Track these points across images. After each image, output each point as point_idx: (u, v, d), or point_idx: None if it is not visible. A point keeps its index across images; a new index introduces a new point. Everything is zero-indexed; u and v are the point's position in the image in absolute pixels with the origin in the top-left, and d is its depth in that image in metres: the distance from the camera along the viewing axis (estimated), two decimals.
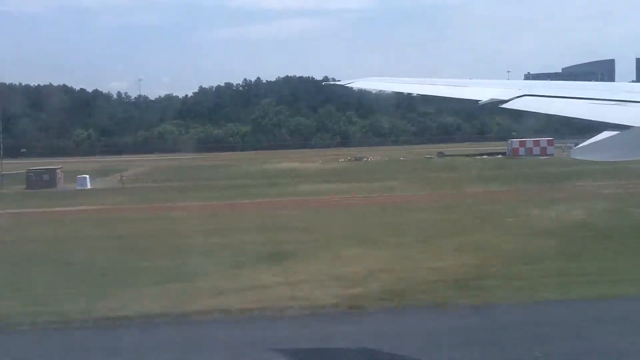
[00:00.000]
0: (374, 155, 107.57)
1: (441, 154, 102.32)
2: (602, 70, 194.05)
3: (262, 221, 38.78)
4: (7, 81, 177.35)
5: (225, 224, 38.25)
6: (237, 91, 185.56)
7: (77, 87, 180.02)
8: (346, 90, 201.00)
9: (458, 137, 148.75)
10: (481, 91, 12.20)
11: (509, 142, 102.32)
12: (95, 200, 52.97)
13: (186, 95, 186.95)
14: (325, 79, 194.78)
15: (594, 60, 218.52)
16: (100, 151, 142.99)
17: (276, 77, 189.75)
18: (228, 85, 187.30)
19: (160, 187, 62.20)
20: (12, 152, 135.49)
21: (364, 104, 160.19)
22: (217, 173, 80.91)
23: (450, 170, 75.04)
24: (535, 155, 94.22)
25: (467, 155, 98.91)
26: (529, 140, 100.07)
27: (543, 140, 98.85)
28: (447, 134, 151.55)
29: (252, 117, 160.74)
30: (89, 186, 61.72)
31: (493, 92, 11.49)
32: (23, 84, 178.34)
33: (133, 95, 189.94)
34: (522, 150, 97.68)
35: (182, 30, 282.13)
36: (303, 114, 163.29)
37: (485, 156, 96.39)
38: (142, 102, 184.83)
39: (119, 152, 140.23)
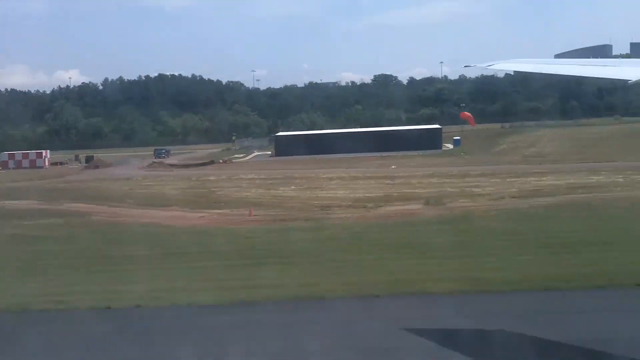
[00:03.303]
0: None
1: None
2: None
3: None
4: None
5: None
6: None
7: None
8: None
9: None
10: (633, 70, 11.76)
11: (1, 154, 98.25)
12: None
13: None
14: None
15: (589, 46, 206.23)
16: None
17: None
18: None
19: None
20: None
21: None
22: None
23: None
24: (25, 168, 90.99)
25: None
26: (19, 153, 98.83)
27: (32, 152, 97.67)
28: None
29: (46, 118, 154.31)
30: None
31: None
32: None
33: None
34: (11, 163, 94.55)
35: None
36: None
37: None
38: None
39: None
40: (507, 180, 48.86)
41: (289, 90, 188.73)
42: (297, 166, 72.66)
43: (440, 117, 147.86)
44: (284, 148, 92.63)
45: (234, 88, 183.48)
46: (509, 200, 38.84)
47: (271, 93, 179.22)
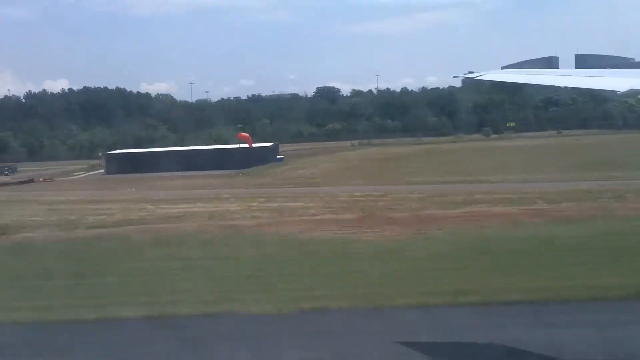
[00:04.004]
0: None
1: None
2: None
3: None
4: None
5: None
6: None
7: None
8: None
9: None
10: (619, 81, 11.89)
11: None
12: None
13: None
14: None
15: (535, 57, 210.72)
16: None
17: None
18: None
19: None
20: None
21: None
22: None
23: None
24: None
25: None
26: None
27: None
28: None
29: None
30: None
31: (632, 82, 11.30)
32: None
33: None
34: None
35: None
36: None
37: None
38: None
39: None
40: (158, 207, 49.11)
41: (224, 102, 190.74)
42: (80, 187, 74.05)
43: (341, 131, 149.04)
44: (113, 166, 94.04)
45: (162, 101, 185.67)
46: (80, 232, 39.36)
47: (189, 106, 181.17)
